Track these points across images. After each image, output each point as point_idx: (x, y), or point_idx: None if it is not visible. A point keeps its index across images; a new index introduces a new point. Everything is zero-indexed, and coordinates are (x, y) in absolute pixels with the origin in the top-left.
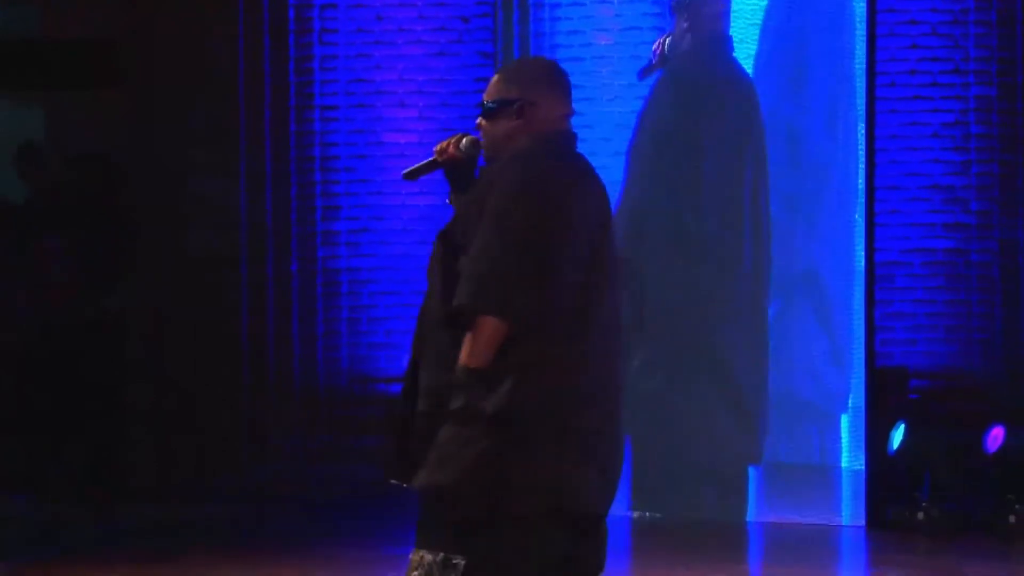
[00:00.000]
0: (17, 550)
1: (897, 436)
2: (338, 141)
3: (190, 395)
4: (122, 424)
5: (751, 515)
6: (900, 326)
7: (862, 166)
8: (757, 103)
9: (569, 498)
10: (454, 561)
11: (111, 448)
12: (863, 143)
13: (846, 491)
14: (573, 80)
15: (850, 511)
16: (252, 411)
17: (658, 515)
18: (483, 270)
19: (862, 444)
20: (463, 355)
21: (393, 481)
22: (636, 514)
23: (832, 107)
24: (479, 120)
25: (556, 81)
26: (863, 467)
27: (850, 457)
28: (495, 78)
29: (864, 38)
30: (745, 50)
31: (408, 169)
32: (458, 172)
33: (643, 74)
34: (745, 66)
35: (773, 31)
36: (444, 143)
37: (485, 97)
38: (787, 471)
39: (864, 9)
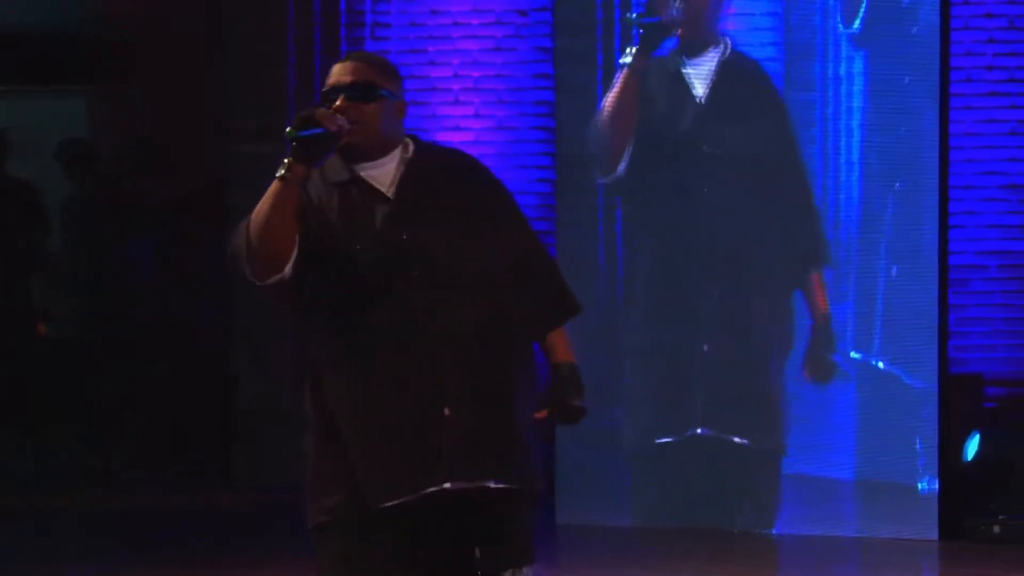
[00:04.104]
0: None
1: (972, 446)
2: None
3: (226, 394)
4: (142, 420)
5: (826, 529)
6: (976, 332)
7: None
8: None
9: None
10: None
11: (136, 445)
12: (937, 140)
13: (918, 504)
14: None
15: (922, 524)
16: (290, 413)
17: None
18: (560, 275)
19: (935, 455)
20: (568, 352)
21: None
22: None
23: (906, 102)
24: (347, 103)
25: None
26: (935, 478)
27: (922, 469)
28: (361, 64)
29: (937, 32)
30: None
31: (309, 133)
32: (330, 150)
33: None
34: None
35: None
36: (333, 118)
37: (358, 79)
38: (858, 485)
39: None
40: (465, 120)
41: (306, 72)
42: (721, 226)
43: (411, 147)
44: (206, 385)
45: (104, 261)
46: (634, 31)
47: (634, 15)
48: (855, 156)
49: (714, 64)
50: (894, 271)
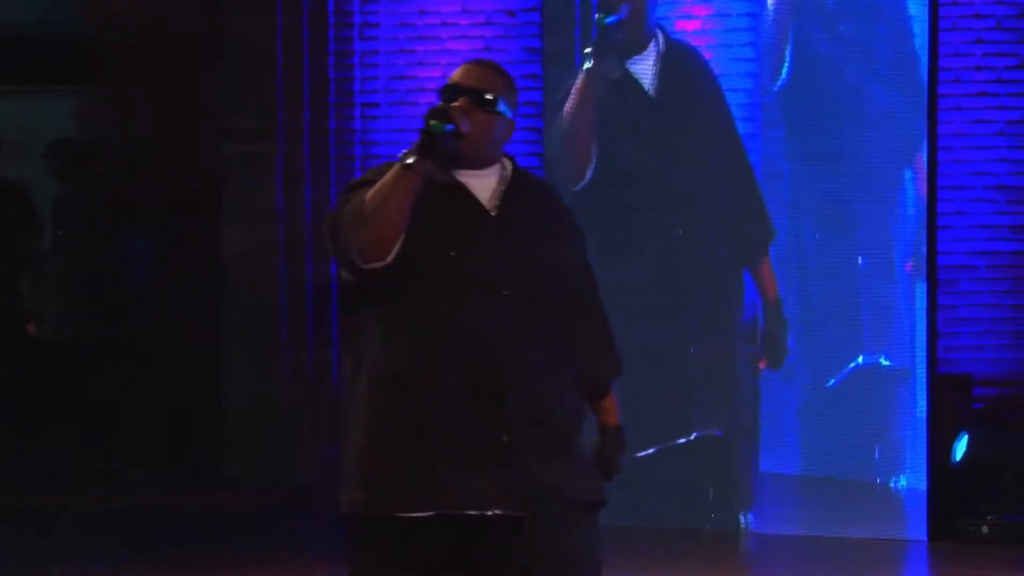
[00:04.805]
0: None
1: (960, 447)
2: (379, 140)
3: (223, 395)
4: (142, 421)
5: (815, 529)
6: (965, 332)
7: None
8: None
9: None
10: None
11: (135, 445)
12: (925, 141)
13: (908, 504)
14: None
15: (912, 525)
16: (288, 414)
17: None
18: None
19: (924, 455)
20: (616, 414)
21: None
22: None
23: (893, 102)
24: (470, 107)
25: None
26: (924, 478)
27: (912, 469)
28: (491, 74)
29: (926, 33)
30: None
31: (439, 129)
32: (451, 148)
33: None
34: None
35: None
36: (464, 118)
37: (487, 89)
38: (845, 485)
39: (927, 4)
40: None
41: (294, 72)
42: (693, 221)
43: (508, 166)
44: (206, 385)
45: (104, 261)
46: (593, 31)
47: (597, 16)
48: (831, 157)
49: (654, 58)
50: (878, 271)
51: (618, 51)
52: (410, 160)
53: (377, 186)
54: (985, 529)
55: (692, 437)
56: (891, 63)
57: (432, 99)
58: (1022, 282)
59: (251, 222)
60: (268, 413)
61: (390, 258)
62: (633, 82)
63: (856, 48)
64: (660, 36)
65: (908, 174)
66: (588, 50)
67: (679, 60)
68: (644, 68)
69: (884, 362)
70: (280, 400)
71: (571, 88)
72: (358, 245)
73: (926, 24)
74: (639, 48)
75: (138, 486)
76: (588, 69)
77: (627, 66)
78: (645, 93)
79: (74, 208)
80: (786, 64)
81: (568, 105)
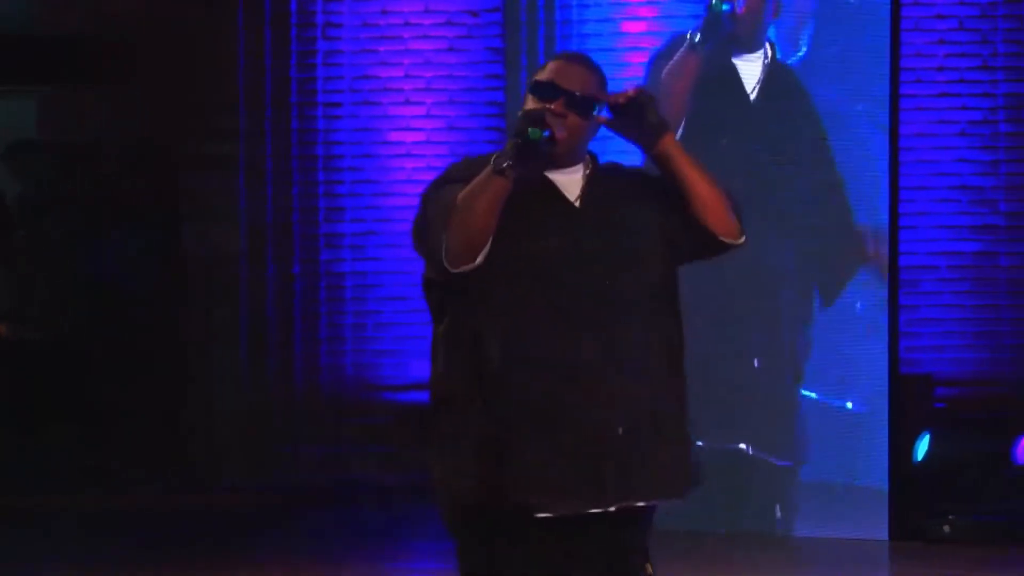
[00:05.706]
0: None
1: (921, 447)
2: (342, 140)
3: (185, 398)
4: (108, 422)
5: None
6: (927, 332)
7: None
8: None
9: None
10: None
11: (104, 446)
12: (887, 141)
13: (869, 504)
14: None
15: (873, 524)
16: (251, 416)
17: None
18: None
19: (885, 455)
20: None
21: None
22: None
23: (854, 103)
24: (565, 111)
25: None
26: (886, 478)
27: (873, 469)
28: (588, 73)
29: (888, 34)
30: None
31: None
32: (544, 153)
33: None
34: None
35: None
36: (557, 123)
37: (583, 92)
38: (807, 486)
39: (888, 4)
40: (416, 120)
41: (256, 72)
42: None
43: (591, 163)
44: (205, 385)
45: (90, 260)
46: (705, 11)
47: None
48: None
49: (761, 66)
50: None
51: (725, 42)
52: (504, 165)
53: (466, 191)
54: (946, 529)
55: (748, 451)
56: (852, 65)
57: (395, 99)
58: (983, 283)
59: (214, 222)
60: (267, 413)
61: (479, 261)
62: (735, 78)
63: (815, 50)
64: (770, 50)
65: (869, 175)
66: (691, 32)
67: (786, 82)
68: (749, 71)
69: (848, 362)
70: (278, 400)
71: (673, 55)
72: (447, 250)
73: (887, 25)
74: (748, 47)
75: (138, 486)
76: (694, 44)
77: (733, 60)
78: (745, 95)
79: (39, 208)
80: None
81: (667, 70)
